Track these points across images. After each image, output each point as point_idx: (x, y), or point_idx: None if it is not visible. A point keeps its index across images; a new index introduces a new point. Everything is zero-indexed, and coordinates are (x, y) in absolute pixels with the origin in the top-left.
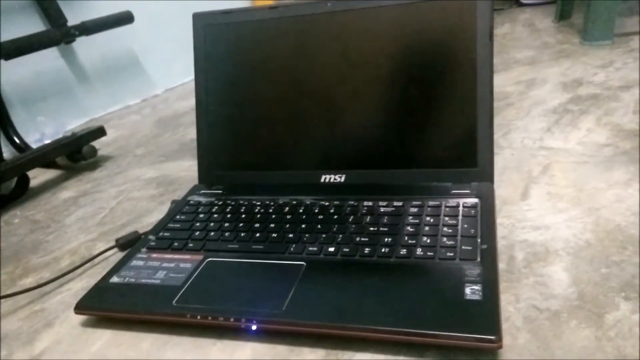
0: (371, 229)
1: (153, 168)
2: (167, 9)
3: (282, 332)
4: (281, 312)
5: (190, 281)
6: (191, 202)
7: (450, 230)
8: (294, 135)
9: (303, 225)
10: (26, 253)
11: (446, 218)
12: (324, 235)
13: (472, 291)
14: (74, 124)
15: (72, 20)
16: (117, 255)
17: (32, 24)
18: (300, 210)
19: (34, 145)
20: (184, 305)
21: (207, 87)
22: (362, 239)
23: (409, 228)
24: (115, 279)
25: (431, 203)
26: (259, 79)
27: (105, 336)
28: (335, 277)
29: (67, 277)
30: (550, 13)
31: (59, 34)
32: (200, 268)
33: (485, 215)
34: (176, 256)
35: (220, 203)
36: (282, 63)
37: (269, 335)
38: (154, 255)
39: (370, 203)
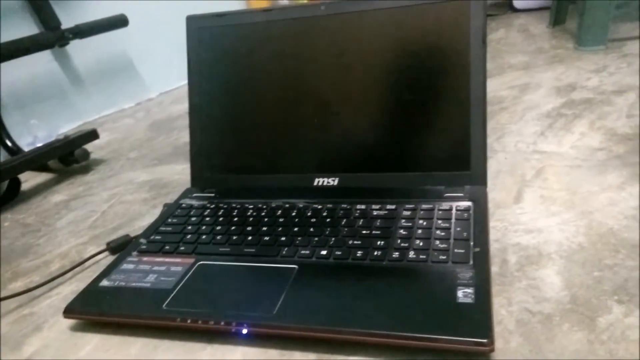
0: (364, 232)
1: (146, 171)
2: (163, 12)
3: (273, 336)
4: (272, 316)
5: (180, 285)
6: (183, 205)
7: (443, 234)
8: (287, 138)
9: (295, 229)
10: (16, 257)
11: (439, 221)
12: (316, 239)
13: (464, 294)
14: (67, 128)
15: (67, 23)
16: (108, 259)
17: (26, 27)
18: (293, 214)
19: (27, 149)
20: (174, 309)
21: (201, 90)
22: (355, 242)
23: (401, 231)
24: (105, 283)
25: (424, 206)
26: (253, 82)
27: (94, 340)
28: (328, 281)
29: (57, 281)
30: (545, 19)
31: (52, 37)
32: (191, 272)
33: (478, 219)
34: (167, 259)
35: (212, 206)
36: (275, 66)
37: (259, 339)
38: (145, 258)
39: (363, 206)
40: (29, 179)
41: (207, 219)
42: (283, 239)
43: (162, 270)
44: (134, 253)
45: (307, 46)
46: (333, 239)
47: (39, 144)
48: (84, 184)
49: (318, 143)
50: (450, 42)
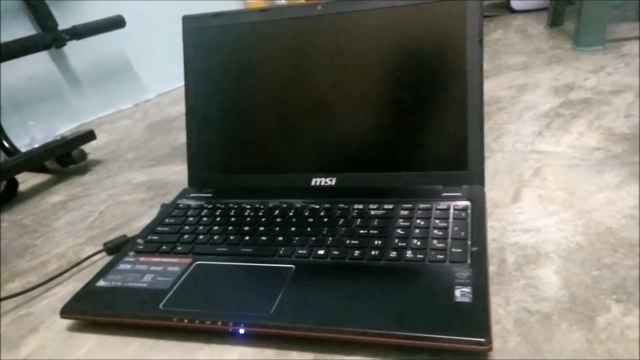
0: (361, 231)
1: (143, 172)
2: (160, 13)
3: (270, 336)
4: (269, 316)
5: (177, 285)
6: (180, 205)
7: (440, 233)
8: (285, 138)
9: (293, 229)
10: (13, 257)
11: (437, 221)
12: (313, 238)
13: (462, 293)
14: (64, 129)
15: (63, 24)
16: (105, 260)
17: (23, 28)
18: (290, 214)
19: (24, 150)
20: (171, 309)
21: (197, 90)
22: (352, 241)
23: (399, 231)
24: (101, 283)
25: (422, 206)
26: (249, 82)
27: (91, 341)
28: (325, 280)
29: (54, 281)
30: (543, 19)
31: (49, 37)
32: (188, 271)
33: (476, 218)
34: (164, 259)
35: (209, 206)
36: (272, 66)
37: (256, 339)
38: (142, 258)
39: (360, 206)
40: (26, 180)
41: (205, 219)
42: (280, 238)
43: (159, 271)
44: (131, 253)
45: (303, 46)
46: (330, 238)
47: (37, 145)
48: (82, 184)
49: (315, 143)
50: (447, 41)
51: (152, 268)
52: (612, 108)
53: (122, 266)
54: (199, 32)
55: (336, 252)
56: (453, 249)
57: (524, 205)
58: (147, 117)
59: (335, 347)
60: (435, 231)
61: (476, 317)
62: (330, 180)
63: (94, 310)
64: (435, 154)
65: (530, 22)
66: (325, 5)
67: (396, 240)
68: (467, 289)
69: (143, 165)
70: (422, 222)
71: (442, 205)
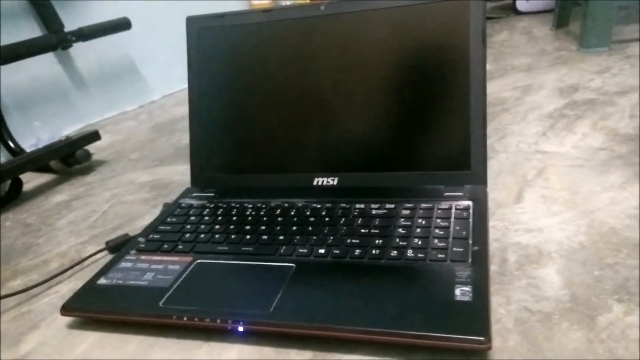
0: (362, 231)
1: (147, 172)
2: (166, 15)
3: (269, 334)
4: (268, 314)
5: (178, 283)
6: (183, 205)
7: (441, 232)
8: (287, 138)
9: (294, 228)
10: (16, 256)
11: (438, 220)
12: (314, 237)
13: (462, 292)
14: (70, 129)
15: (70, 26)
16: (106, 258)
17: (29, 30)
18: (292, 213)
19: (30, 150)
20: (171, 307)
21: (201, 90)
22: (353, 240)
23: (400, 230)
24: (102, 281)
25: (423, 205)
26: (252, 82)
27: (91, 338)
28: (325, 279)
29: (56, 279)
30: (548, 21)
31: (55, 39)
32: (189, 270)
33: (478, 218)
34: (165, 258)
35: (211, 206)
36: (275, 66)
37: (256, 337)
38: (143, 257)
39: (362, 205)
40: (31, 180)
41: (206, 218)
42: (281, 237)
43: (160, 269)
44: (132, 252)
45: (306, 46)
46: (331, 237)
47: (42, 146)
48: (85, 184)
49: (317, 143)
50: (450, 41)
51: (153, 266)
52: (617, 109)
53: (123, 264)
54: (202, 32)
55: (337, 251)
56: (454, 248)
57: (526, 205)
58: (151, 118)
59: (335, 345)
60: (437, 230)
61: (476, 316)
62: (332, 180)
63: (94, 308)
64: (438, 153)
65: (535, 23)
66: (328, 6)
67: (397, 240)
68: (467, 288)
69: (147, 166)
70: (424, 222)
71: (444, 204)
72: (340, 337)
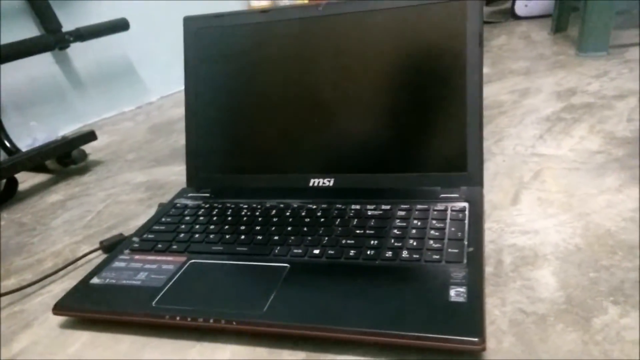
0: (357, 231)
1: (143, 172)
2: (165, 16)
3: (262, 334)
4: (261, 314)
5: (171, 282)
6: (178, 205)
7: (437, 234)
8: (283, 139)
9: (289, 228)
10: (10, 255)
11: (434, 221)
12: (309, 238)
13: (456, 293)
14: (67, 130)
15: (68, 26)
16: (100, 258)
17: (27, 29)
18: (287, 214)
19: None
20: (164, 307)
21: (197, 91)
22: (348, 241)
23: (395, 231)
24: (95, 280)
25: (419, 206)
26: (249, 82)
27: (83, 337)
28: (319, 279)
29: (50, 279)
30: (547, 26)
31: (53, 39)
32: (183, 270)
33: (474, 219)
34: (159, 258)
35: (207, 206)
36: (272, 67)
37: (248, 337)
38: (137, 256)
39: (357, 206)
40: (26, 180)
41: (201, 218)
42: (276, 238)
43: (153, 269)
44: (126, 251)
45: (304, 47)
46: (326, 238)
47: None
48: (81, 184)
49: (314, 144)
50: (447, 42)
51: (147, 266)
52: (614, 112)
53: (116, 264)
54: (199, 32)
55: (331, 252)
56: (449, 249)
57: (522, 207)
58: (149, 119)
59: (328, 346)
60: (432, 232)
61: (470, 317)
62: (329, 181)
63: (86, 307)
64: (434, 155)
65: (534, 28)
66: (326, 7)
67: (392, 241)
68: (462, 289)
69: (143, 166)
70: (419, 223)
71: (440, 206)
72: (334, 338)
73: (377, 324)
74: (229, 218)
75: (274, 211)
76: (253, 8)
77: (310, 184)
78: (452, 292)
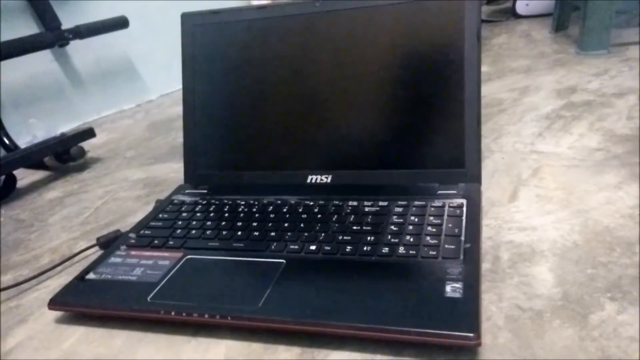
0: (354, 228)
1: (141, 170)
2: (164, 14)
3: (257, 330)
4: (256, 309)
5: (167, 278)
6: (175, 201)
7: (434, 230)
8: (281, 135)
9: (286, 224)
10: (7, 251)
11: (431, 218)
12: (306, 234)
13: (452, 289)
14: (66, 127)
15: (67, 23)
16: (97, 254)
17: (26, 27)
18: (284, 210)
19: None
20: (159, 302)
21: (195, 87)
22: (345, 237)
23: (392, 227)
24: (91, 276)
25: (416, 203)
26: (247, 79)
27: (78, 333)
28: (315, 275)
29: (46, 275)
30: (547, 25)
31: (52, 37)
32: (179, 265)
33: (471, 216)
34: (155, 254)
35: (204, 202)
36: (269, 63)
37: (244, 332)
38: (133, 252)
39: (355, 203)
40: (25, 177)
41: (198, 214)
42: (273, 234)
43: (149, 264)
44: (123, 247)
45: (301, 43)
46: (323, 234)
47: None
48: (79, 181)
49: (311, 140)
50: (445, 39)
51: (143, 262)
52: (614, 110)
53: (112, 259)
54: (197, 29)
55: (328, 248)
56: (446, 246)
57: (521, 204)
58: (148, 117)
59: (323, 341)
60: (429, 228)
61: (466, 312)
62: (326, 177)
63: (81, 303)
64: (432, 152)
65: (535, 27)
66: (323, 3)
67: (389, 237)
68: (458, 285)
69: (142, 163)
70: (416, 219)
71: (437, 202)
72: (329, 333)
73: (372, 320)
74: (226, 214)
75: (271, 207)
76: (252, 4)
77: (308, 181)
78: (448, 288)
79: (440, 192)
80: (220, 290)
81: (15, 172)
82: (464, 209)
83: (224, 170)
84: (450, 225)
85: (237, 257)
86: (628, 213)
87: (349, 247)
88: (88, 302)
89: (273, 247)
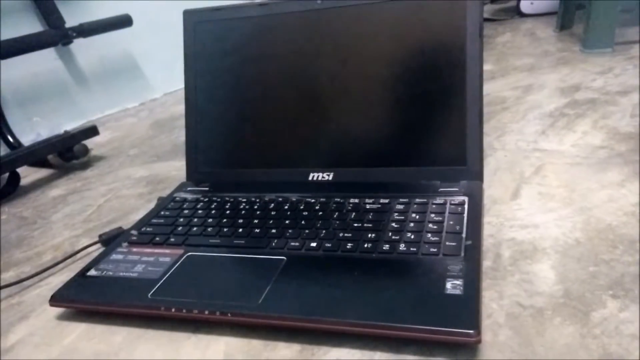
0: (355, 225)
1: (144, 167)
2: (168, 13)
3: (257, 326)
4: (256, 306)
5: (168, 275)
6: (177, 198)
7: (435, 227)
8: (283, 133)
9: (287, 221)
10: (10, 248)
11: (432, 215)
12: (307, 231)
13: (453, 286)
14: (70, 126)
15: (71, 22)
16: (99, 251)
17: (30, 25)
18: (285, 207)
19: None
20: (159, 298)
21: (197, 85)
22: (345, 234)
23: (393, 224)
24: (92, 272)
25: (418, 200)
26: (248, 76)
27: (79, 329)
28: (315, 272)
29: (48, 272)
30: (552, 23)
31: (56, 35)
32: (180, 262)
33: (472, 213)
34: (156, 250)
35: (205, 199)
36: (271, 60)
37: (243, 329)
38: (134, 249)
39: (356, 200)
40: (28, 175)
41: (200, 211)
42: (273, 231)
43: (151, 261)
44: (124, 244)
45: (302, 40)
46: (324, 231)
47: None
48: (83, 179)
49: (313, 138)
50: (447, 37)
51: (144, 258)
52: (618, 108)
53: (114, 256)
54: (199, 26)
55: (328, 245)
56: (447, 243)
57: (523, 202)
58: (152, 115)
59: (323, 338)
60: (430, 225)
61: (466, 309)
62: (328, 175)
63: (82, 299)
64: (434, 149)
65: (539, 25)
66: (324, 0)
67: (390, 234)
68: (458, 282)
69: (145, 161)
70: (417, 217)
71: (439, 200)
72: (329, 330)
73: (372, 316)
74: (227, 211)
75: (272, 205)
76: (254, 1)
77: (310, 178)
78: (449, 285)
79: (442, 189)
80: (220, 287)
81: (18, 170)
82: (466, 206)
83: (225, 167)
84: (451, 222)
85: (237, 254)
86: (631, 211)
87: (349, 244)
88: (89, 298)
89: (274, 244)
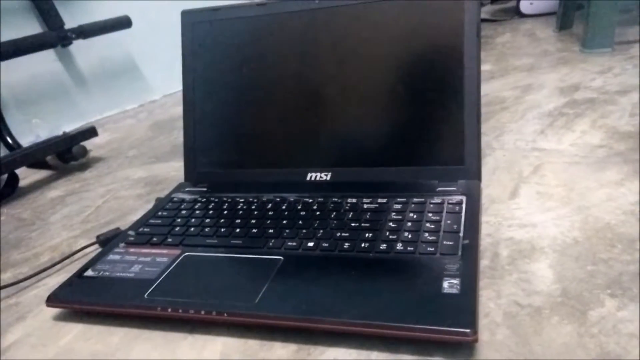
0: (352, 224)
1: (143, 168)
2: (168, 14)
3: (254, 326)
4: (253, 306)
5: (164, 275)
6: (175, 199)
7: (432, 226)
8: (281, 133)
9: (284, 221)
10: (7, 249)
11: (430, 214)
12: (304, 231)
13: (450, 285)
14: (69, 127)
15: (70, 23)
16: (96, 252)
17: (29, 27)
18: (283, 207)
19: None
20: (156, 299)
21: (195, 85)
22: (343, 234)
23: (391, 224)
24: (89, 273)
25: (415, 200)
26: (246, 76)
27: (75, 330)
28: (312, 272)
29: (46, 272)
30: (551, 23)
31: (55, 36)
32: (176, 262)
33: (470, 212)
34: (153, 251)
35: (203, 200)
36: (269, 60)
37: (240, 329)
38: (132, 249)
39: (354, 200)
40: (27, 176)
41: (197, 212)
42: (271, 231)
43: (147, 261)
44: (122, 244)
45: (300, 40)
46: (321, 231)
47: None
48: (81, 180)
49: (311, 138)
50: (445, 36)
51: (141, 259)
52: (617, 107)
53: (111, 257)
54: (197, 26)
55: (326, 245)
56: (444, 242)
57: (521, 201)
58: (151, 116)
59: (319, 337)
60: (428, 224)
61: (463, 308)
62: (326, 175)
63: (79, 299)
64: (432, 149)
65: (539, 25)
66: (322, 0)
67: (387, 233)
68: (455, 281)
69: (143, 162)
70: (415, 216)
71: (437, 199)
72: (325, 329)
73: (369, 316)
74: (225, 212)
75: (270, 205)
76: (252, 1)
77: (308, 178)
78: (445, 284)
79: (439, 189)
80: (217, 287)
81: (17, 171)
82: (463, 205)
83: (223, 168)
84: (449, 221)
85: (234, 254)
86: (629, 209)
87: (346, 244)
88: (86, 298)
89: (271, 244)
